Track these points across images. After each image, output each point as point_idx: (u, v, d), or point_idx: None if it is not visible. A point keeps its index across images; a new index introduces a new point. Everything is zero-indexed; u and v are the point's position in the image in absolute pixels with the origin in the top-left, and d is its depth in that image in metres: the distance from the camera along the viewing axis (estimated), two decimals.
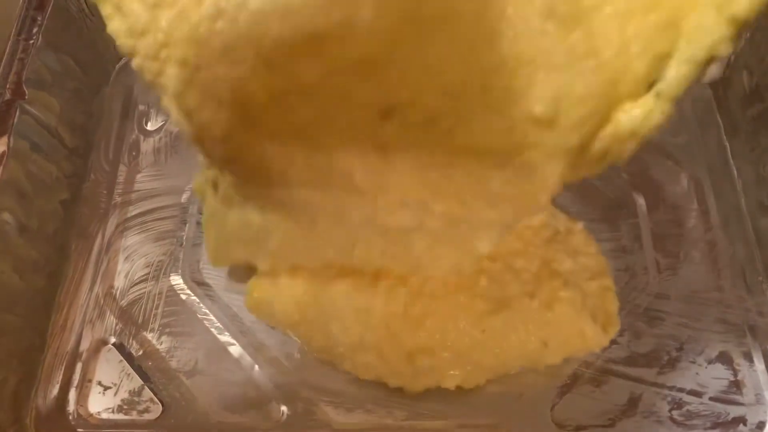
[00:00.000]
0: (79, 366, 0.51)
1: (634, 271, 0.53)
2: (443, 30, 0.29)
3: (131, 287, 0.54)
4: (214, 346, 0.51)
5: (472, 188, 0.35)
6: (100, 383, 0.50)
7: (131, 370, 0.50)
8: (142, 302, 0.53)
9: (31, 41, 0.54)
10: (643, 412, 0.47)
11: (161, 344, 0.52)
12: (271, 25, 0.29)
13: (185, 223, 0.56)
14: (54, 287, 0.54)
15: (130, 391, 0.50)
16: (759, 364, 0.49)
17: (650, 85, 0.30)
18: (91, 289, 0.54)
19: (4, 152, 0.49)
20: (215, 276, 0.54)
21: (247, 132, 0.33)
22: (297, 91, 0.31)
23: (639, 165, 0.57)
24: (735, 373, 0.49)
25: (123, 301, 0.53)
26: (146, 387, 0.50)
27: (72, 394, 0.50)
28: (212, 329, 0.52)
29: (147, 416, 0.49)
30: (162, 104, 0.37)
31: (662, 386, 0.48)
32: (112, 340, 0.52)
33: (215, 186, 0.46)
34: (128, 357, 0.51)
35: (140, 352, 0.51)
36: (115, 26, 0.37)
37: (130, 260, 0.55)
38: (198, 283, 0.54)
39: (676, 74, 0.29)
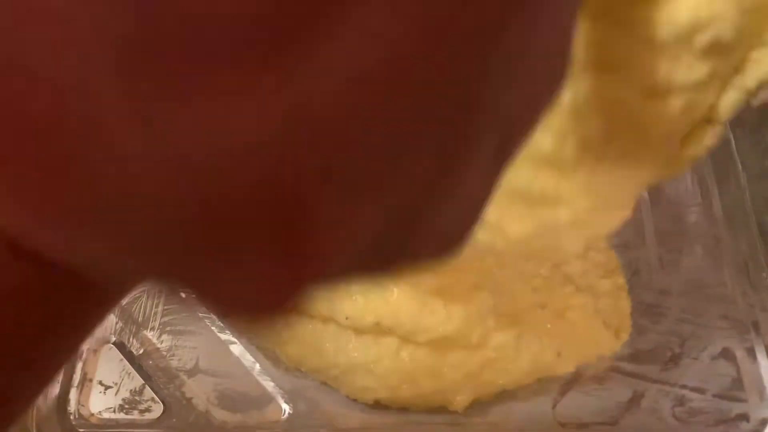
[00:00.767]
0: (79, 365, 0.51)
1: (637, 266, 0.52)
2: None
3: None
4: (215, 344, 0.51)
5: None
6: (101, 382, 0.50)
7: (132, 369, 0.50)
8: (143, 300, 0.53)
9: None
10: (646, 409, 0.47)
11: (162, 343, 0.51)
12: None
13: None
14: None
15: (131, 390, 0.50)
16: (762, 361, 0.49)
17: None
18: None
19: None
20: None
21: None
22: None
23: None
24: (738, 369, 0.49)
25: (123, 300, 0.53)
26: (147, 386, 0.50)
27: (73, 394, 0.50)
28: (213, 327, 0.52)
29: (148, 416, 0.49)
30: None
31: (665, 383, 0.48)
32: (113, 338, 0.52)
33: None
34: (129, 356, 0.51)
35: (141, 351, 0.51)
36: None
37: None
38: None
39: None
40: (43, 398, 0.49)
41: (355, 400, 0.48)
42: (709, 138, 0.29)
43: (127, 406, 0.49)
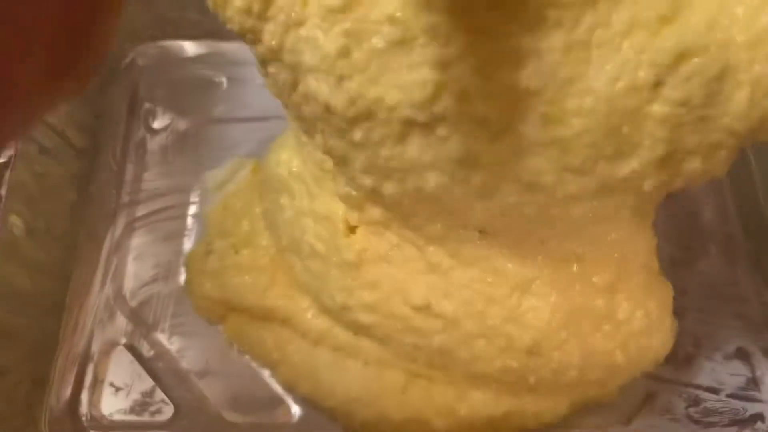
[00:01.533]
0: (90, 367, 0.51)
1: None
2: None
3: (141, 287, 0.54)
4: (225, 346, 0.51)
5: None
6: (112, 384, 0.50)
7: (143, 371, 0.50)
8: (153, 302, 0.53)
9: None
10: (660, 409, 0.47)
11: (172, 344, 0.51)
12: None
13: (195, 222, 0.56)
14: (64, 289, 0.53)
15: (141, 392, 0.50)
16: None
17: None
18: (101, 290, 0.54)
19: (11, 155, 0.49)
20: None
21: None
22: None
23: None
24: (752, 369, 0.48)
25: (133, 302, 0.53)
26: (158, 388, 0.50)
27: (84, 396, 0.50)
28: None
29: (159, 417, 0.49)
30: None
31: (679, 383, 0.48)
32: (123, 341, 0.52)
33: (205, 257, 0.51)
34: (139, 358, 0.51)
35: (151, 353, 0.51)
36: None
37: (139, 260, 0.55)
38: None
39: None
40: (55, 400, 0.50)
41: None
42: None
43: (138, 408, 0.49)
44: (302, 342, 0.47)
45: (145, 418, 0.49)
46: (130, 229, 0.56)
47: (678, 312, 0.49)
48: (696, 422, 0.47)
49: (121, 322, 0.52)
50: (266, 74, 0.36)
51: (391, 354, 0.45)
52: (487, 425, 0.45)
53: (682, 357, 0.48)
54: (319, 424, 0.48)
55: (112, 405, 0.50)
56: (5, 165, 0.48)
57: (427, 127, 0.31)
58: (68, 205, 0.55)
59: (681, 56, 0.28)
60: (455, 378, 0.44)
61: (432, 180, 0.34)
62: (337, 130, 0.34)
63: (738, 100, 0.28)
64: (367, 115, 0.32)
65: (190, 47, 0.65)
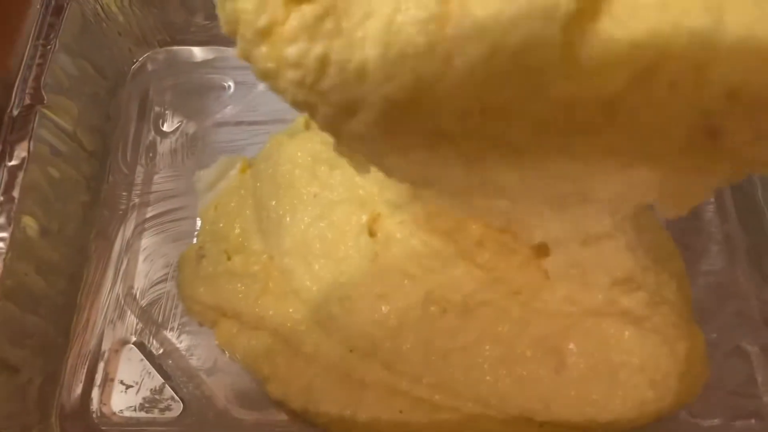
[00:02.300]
0: (101, 365, 0.52)
1: None
2: None
3: (151, 287, 0.55)
4: None
5: None
6: (122, 382, 0.51)
7: (152, 369, 0.51)
8: (162, 302, 0.54)
9: (49, 46, 0.55)
10: None
11: (181, 343, 0.52)
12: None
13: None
14: (75, 288, 0.55)
15: (151, 389, 0.51)
16: None
17: None
18: (111, 289, 0.55)
19: (24, 157, 0.50)
20: None
21: None
22: None
23: None
24: (752, 366, 0.49)
25: (143, 301, 0.54)
26: (167, 385, 0.51)
27: (95, 393, 0.51)
28: None
29: (168, 414, 0.50)
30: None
31: None
32: (133, 339, 0.53)
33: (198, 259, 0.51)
34: (149, 356, 0.52)
35: (161, 351, 0.52)
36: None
37: (149, 260, 0.56)
38: None
39: None
40: (67, 397, 0.51)
41: None
42: None
43: (147, 405, 0.50)
44: (294, 357, 0.47)
45: (155, 414, 0.50)
46: (140, 230, 0.57)
47: None
48: (697, 419, 0.47)
49: (131, 320, 0.53)
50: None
51: (394, 374, 0.45)
52: None
53: None
54: None
55: (122, 402, 0.51)
56: (18, 167, 0.50)
57: None
58: (80, 206, 0.56)
59: None
60: (460, 404, 0.44)
61: None
62: None
63: None
64: None
65: (198, 52, 0.66)
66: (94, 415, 0.50)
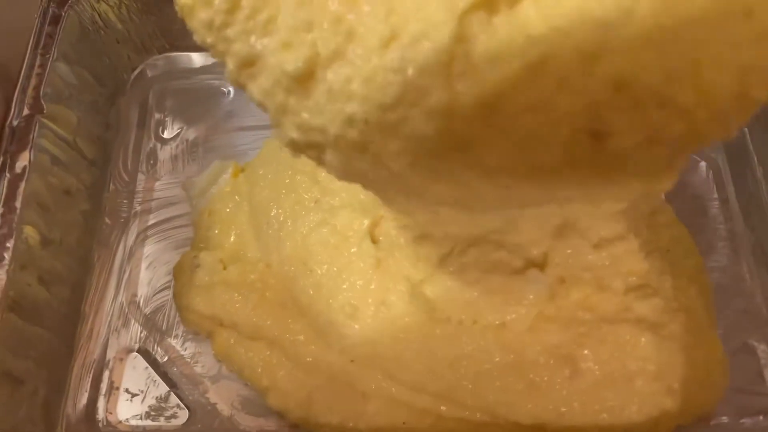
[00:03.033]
0: (106, 374, 0.52)
1: None
2: None
3: (154, 295, 0.55)
4: None
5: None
6: (127, 390, 0.51)
7: (157, 377, 0.51)
8: (166, 309, 0.54)
9: (48, 55, 0.55)
10: None
11: (186, 350, 0.52)
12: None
13: None
14: (79, 297, 0.55)
15: (156, 397, 0.51)
16: None
17: None
18: (115, 297, 0.55)
19: (25, 167, 0.50)
20: None
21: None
22: None
23: None
24: (759, 363, 0.48)
25: (147, 309, 0.54)
26: (172, 393, 0.51)
27: (101, 402, 0.51)
28: None
29: (174, 422, 0.50)
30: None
31: None
32: (137, 347, 0.53)
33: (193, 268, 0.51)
34: (154, 364, 0.52)
35: (165, 359, 0.52)
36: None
37: (152, 268, 0.56)
38: None
39: None
40: (72, 407, 0.51)
41: None
42: None
43: (153, 413, 0.50)
44: (294, 368, 0.47)
45: (161, 422, 0.50)
46: (142, 238, 0.57)
47: None
48: (705, 417, 0.47)
49: (135, 328, 0.53)
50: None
51: (396, 384, 0.44)
52: None
53: None
54: None
55: (128, 410, 0.50)
56: (19, 177, 0.50)
57: None
58: (81, 215, 0.56)
59: None
60: (467, 414, 0.44)
61: None
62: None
63: None
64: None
65: (197, 58, 0.66)
66: (100, 425, 0.50)
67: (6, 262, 0.47)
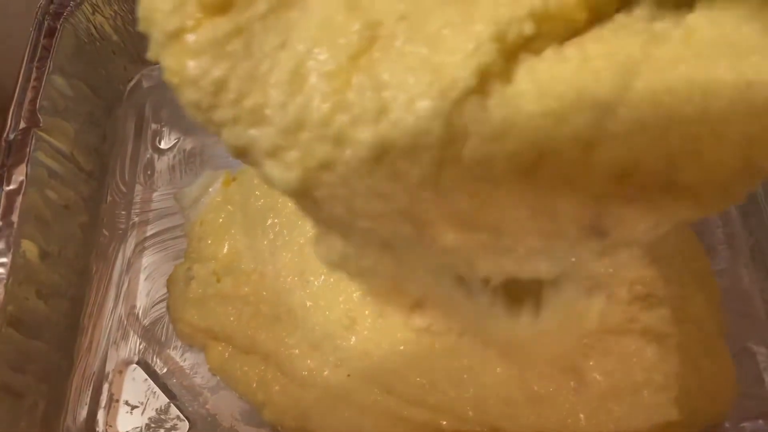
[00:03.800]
0: (106, 386, 0.52)
1: None
2: None
3: (153, 306, 0.55)
4: None
5: None
6: (127, 402, 0.51)
7: (157, 389, 0.51)
8: (165, 320, 0.54)
9: (43, 68, 0.54)
10: None
11: (185, 361, 0.52)
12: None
13: None
14: (78, 310, 0.55)
15: (156, 409, 0.51)
16: None
17: None
18: (114, 309, 0.55)
19: (22, 181, 0.50)
20: None
21: None
22: None
23: None
24: (758, 367, 0.48)
25: (146, 320, 0.54)
26: (172, 404, 0.51)
27: (101, 415, 0.51)
28: None
29: None
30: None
31: None
32: (137, 359, 0.53)
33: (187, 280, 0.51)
34: (153, 375, 0.52)
35: (165, 370, 0.52)
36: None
37: (150, 279, 0.56)
38: None
39: None
40: (72, 420, 0.51)
41: None
42: None
43: (153, 425, 0.50)
44: (289, 383, 0.46)
45: None
46: (140, 249, 0.57)
47: None
48: None
49: (134, 340, 0.53)
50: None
51: (395, 399, 0.44)
52: None
53: None
54: None
55: (129, 423, 0.50)
56: (16, 191, 0.50)
57: None
58: (79, 227, 0.56)
59: None
60: (468, 428, 0.43)
61: None
62: None
63: None
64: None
65: None
66: None
67: (4, 276, 0.47)
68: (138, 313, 0.54)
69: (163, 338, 0.53)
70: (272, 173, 0.28)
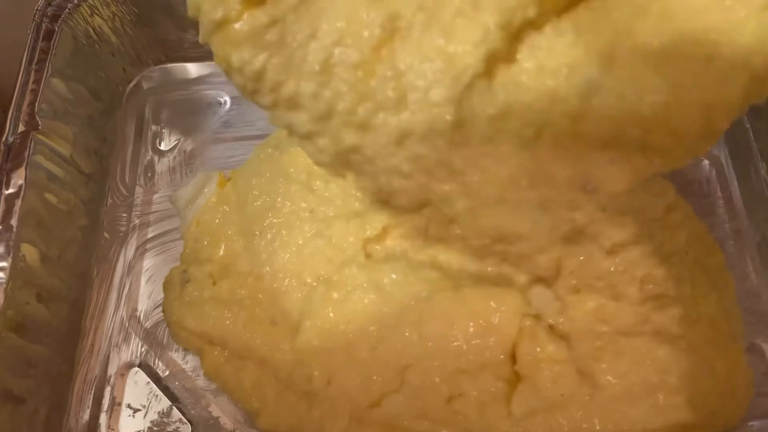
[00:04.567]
0: (108, 390, 0.52)
1: None
2: None
3: (155, 308, 0.54)
4: None
5: None
6: (129, 406, 0.51)
7: (159, 392, 0.51)
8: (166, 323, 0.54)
9: (42, 71, 0.54)
10: None
11: (187, 363, 0.52)
12: None
13: None
14: (79, 314, 0.54)
15: (159, 412, 0.50)
16: None
17: None
18: (115, 312, 0.54)
19: (21, 185, 0.50)
20: None
21: None
22: None
23: None
24: (766, 363, 0.48)
25: (147, 323, 0.54)
26: (175, 407, 0.50)
27: (103, 419, 0.51)
28: None
29: None
30: None
31: None
32: (138, 362, 0.52)
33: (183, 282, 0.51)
34: (155, 378, 0.52)
35: (167, 373, 0.52)
36: None
37: (152, 281, 0.56)
38: None
39: None
40: (74, 425, 0.50)
41: None
42: None
43: (156, 429, 0.50)
44: (285, 390, 0.46)
45: None
46: (141, 252, 0.57)
47: None
48: None
49: (136, 343, 0.53)
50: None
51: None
52: None
53: None
54: None
55: (131, 426, 0.50)
56: (15, 195, 0.49)
57: None
58: (80, 230, 0.56)
59: None
60: None
61: None
62: None
63: None
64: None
65: (192, 69, 0.66)
66: None
67: (3, 281, 0.47)
68: (139, 316, 0.54)
69: (164, 341, 0.53)
70: (308, 152, 0.34)
